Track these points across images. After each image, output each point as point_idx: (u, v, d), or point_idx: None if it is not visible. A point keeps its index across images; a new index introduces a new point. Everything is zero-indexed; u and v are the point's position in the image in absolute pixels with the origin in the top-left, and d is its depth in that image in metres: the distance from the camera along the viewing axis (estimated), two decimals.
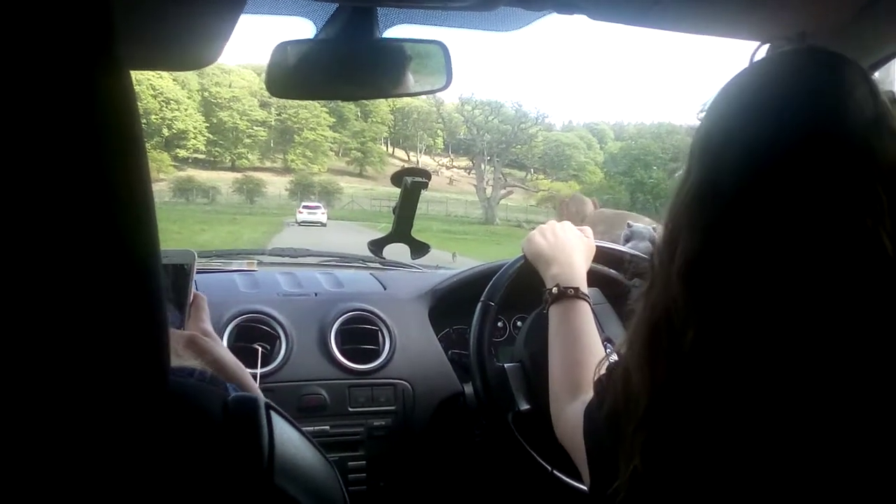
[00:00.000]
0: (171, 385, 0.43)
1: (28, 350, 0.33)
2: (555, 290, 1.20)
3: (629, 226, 1.72)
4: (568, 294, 1.19)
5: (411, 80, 1.11)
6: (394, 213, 1.43)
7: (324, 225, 29.18)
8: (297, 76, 1.06)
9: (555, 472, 1.29)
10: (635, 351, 0.76)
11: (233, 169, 60.12)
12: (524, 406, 1.34)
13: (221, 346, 0.84)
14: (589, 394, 1.04)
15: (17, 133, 0.31)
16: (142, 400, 0.39)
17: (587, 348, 1.12)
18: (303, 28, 1.09)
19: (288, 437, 0.48)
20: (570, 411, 1.02)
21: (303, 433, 0.53)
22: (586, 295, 1.21)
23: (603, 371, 0.91)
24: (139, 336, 0.38)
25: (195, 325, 0.85)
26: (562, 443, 1.05)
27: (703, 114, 0.76)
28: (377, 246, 1.49)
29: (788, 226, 0.67)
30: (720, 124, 0.74)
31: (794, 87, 0.71)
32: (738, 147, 0.70)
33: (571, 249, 1.29)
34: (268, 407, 0.48)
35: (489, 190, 46.72)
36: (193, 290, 0.88)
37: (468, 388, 1.57)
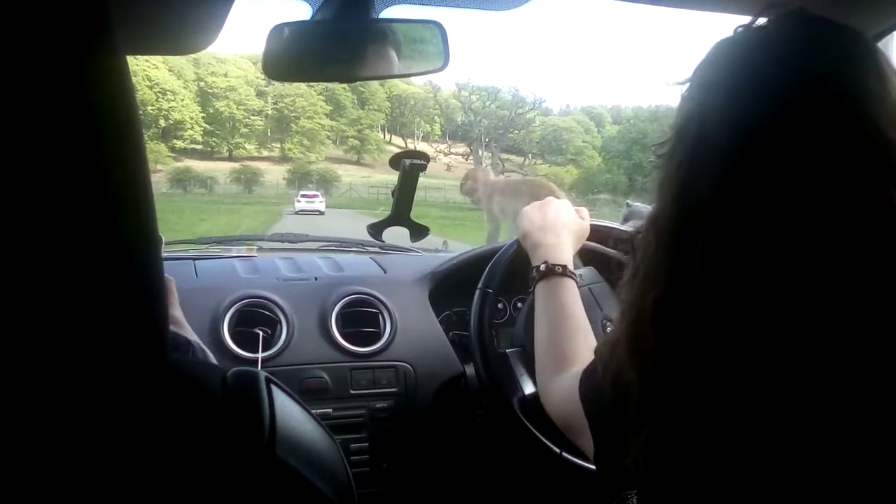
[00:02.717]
0: (170, 362, 0.44)
1: (27, 332, 0.33)
2: (542, 266, 1.20)
3: (628, 205, 1.73)
4: (555, 271, 1.19)
5: (408, 61, 1.10)
6: (392, 196, 1.43)
7: (322, 213, 29.09)
8: (293, 59, 1.06)
9: (563, 454, 1.29)
10: (629, 319, 0.75)
11: (230, 159, 59.84)
12: (529, 390, 1.34)
13: (188, 333, 0.83)
14: (578, 366, 1.04)
15: (11, 119, 0.31)
16: (140, 377, 0.40)
17: (574, 323, 1.12)
18: (299, 11, 1.09)
19: (289, 411, 0.48)
20: (560, 383, 1.02)
21: (304, 407, 0.52)
22: (573, 273, 1.21)
23: (603, 339, 0.91)
24: (137, 316, 0.38)
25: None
26: (551, 414, 1.05)
27: (688, 86, 0.74)
28: (376, 229, 1.49)
29: (782, 202, 0.65)
30: (707, 98, 0.71)
31: (786, 56, 0.68)
32: (726, 124, 0.67)
33: (560, 228, 1.29)
34: (268, 381, 0.48)
35: None
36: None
37: (469, 370, 1.57)
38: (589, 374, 0.91)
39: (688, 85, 0.74)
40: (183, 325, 0.84)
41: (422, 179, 1.41)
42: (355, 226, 3.55)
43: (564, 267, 1.20)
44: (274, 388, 0.48)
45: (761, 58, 0.69)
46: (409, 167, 1.33)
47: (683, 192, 0.69)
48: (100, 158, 0.34)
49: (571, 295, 1.17)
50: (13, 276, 0.32)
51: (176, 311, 0.85)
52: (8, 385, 0.33)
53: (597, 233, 1.48)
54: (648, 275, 0.73)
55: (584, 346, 1.09)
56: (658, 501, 0.76)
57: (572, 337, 1.09)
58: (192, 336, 0.81)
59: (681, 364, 0.69)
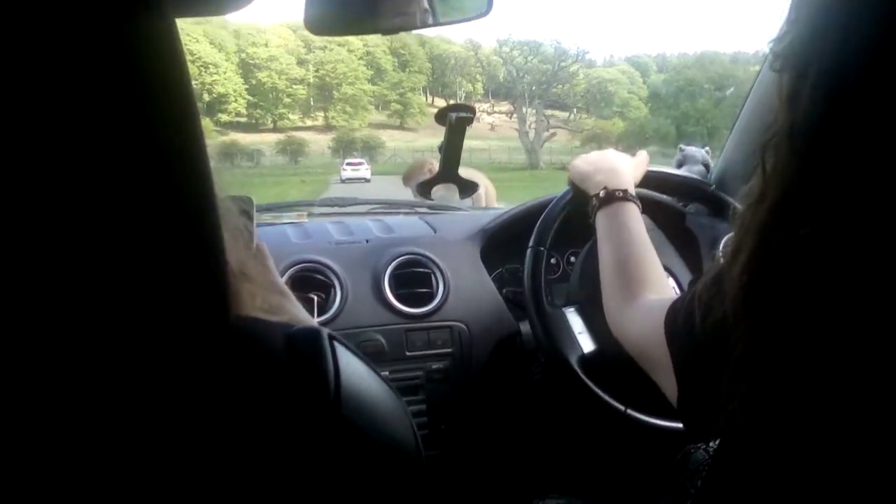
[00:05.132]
0: (233, 321, 0.43)
1: (88, 291, 0.33)
2: (602, 193, 1.14)
3: (681, 150, 1.68)
4: (616, 196, 1.13)
5: (451, 8, 1.07)
6: (439, 152, 1.41)
7: (368, 181, 29.29)
8: (334, 12, 1.04)
9: (629, 411, 1.27)
10: (741, 260, 0.65)
11: (275, 130, 60.52)
12: (589, 348, 1.32)
13: (295, 305, 0.78)
14: (650, 291, 0.98)
15: (62, 85, 0.30)
16: (204, 338, 0.39)
17: (642, 246, 1.06)
18: None
19: (353, 369, 0.47)
20: (635, 311, 0.97)
21: (368, 364, 0.51)
22: (635, 198, 1.15)
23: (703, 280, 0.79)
24: (197, 276, 0.38)
25: (264, 279, 0.80)
26: (624, 342, 0.99)
27: None
28: (425, 187, 1.48)
29: None
30: None
31: None
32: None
33: (615, 160, 1.23)
34: (331, 338, 0.47)
35: (532, 134, 46.34)
36: (255, 239, 0.83)
37: (525, 327, 1.55)
38: (678, 314, 0.82)
39: None
40: (287, 294, 0.79)
41: (466, 141, 1.38)
42: (402, 192, 3.55)
43: (625, 191, 1.14)
44: (337, 345, 0.47)
45: None
46: (456, 121, 1.30)
47: (829, 103, 0.58)
48: (155, 121, 0.34)
49: (636, 218, 1.11)
50: (73, 239, 0.32)
51: (276, 278, 0.80)
52: (64, 345, 0.33)
53: (648, 179, 1.44)
54: (779, 198, 0.62)
55: (653, 269, 1.04)
56: (745, 454, 0.68)
57: (641, 260, 1.04)
58: (299, 311, 0.76)
59: (807, 311, 0.59)
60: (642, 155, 1.33)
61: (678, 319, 0.81)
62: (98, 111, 0.31)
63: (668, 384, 0.84)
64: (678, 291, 1.34)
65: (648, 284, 1.00)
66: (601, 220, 1.14)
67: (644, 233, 1.10)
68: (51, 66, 0.30)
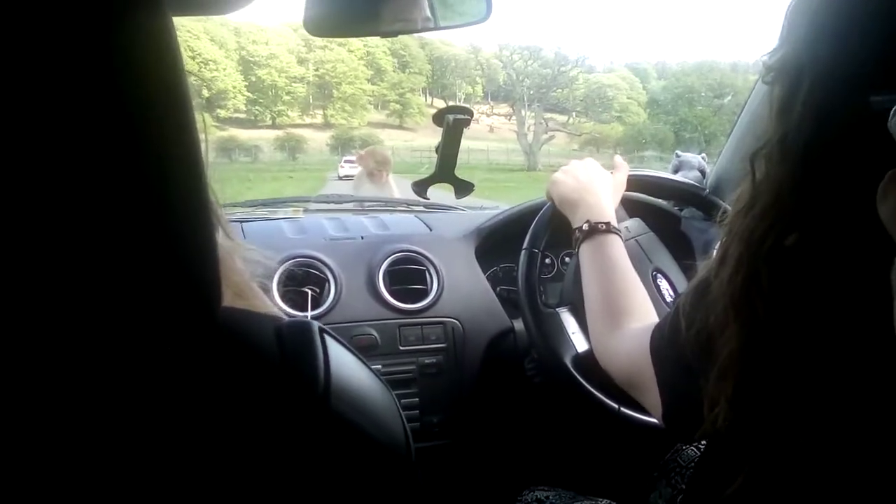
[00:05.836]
0: (222, 314, 0.43)
1: (77, 287, 0.33)
2: (585, 226, 1.18)
3: (678, 156, 1.69)
4: (599, 229, 1.16)
5: (451, 12, 1.08)
6: (436, 152, 1.42)
7: None
8: (333, 14, 1.05)
9: (622, 409, 1.28)
10: (729, 265, 0.67)
11: (273, 126, 60.10)
12: (582, 348, 1.33)
13: (265, 301, 0.80)
14: (635, 321, 1.00)
15: (53, 83, 0.30)
16: (195, 332, 0.39)
17: (626, 277, 1.09)
18: None
19: (343, 361, 0.48)
20: (620, 339, 1.00)
21: (358, 356, 0.52)
22: (618, 229, 1.18)
23: (685, 291, 0.81)
24: (190, 271, 0.38)
25: (236, 277, 0.81)
26: (611, 371, 1.03)
27: None
28: (421, 187, 1.49)
29: None
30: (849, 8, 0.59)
31: None
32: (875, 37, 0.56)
33: (598, 188, 1.26)
34: (321, 331, 0.48)
35: (530, 136, 46.27)
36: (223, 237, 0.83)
37: (518, 325, 1.57)
38: (662, 331, 0.85)
39: None
40: (257, 291, 0.80)
41: (464, 142, 1.39)
42: (399, 189, 3.57)
43: (608, 223, 1.17)
44: (328, 338, 0.47)
45: None
46: (453, 122, 1.31)
47: (820, 113, 0.60)
48: (149, 120, 0.34)
49: (619, 250, 1.15)
50: (61, 237, 0.32)
51: (245, 276, 0.81)
52: (49, 346, 0.33)
53: (644, 183, 1.45)
54: (768, 205, 0.63)
55: (638, 299, 1.07)
56: (731, 453, 0.70)
57: (626, 291, 1.07)
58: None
59: (801, 310, 0.61)
60: (621, 173, 1.35)
61: (663, 335, 0.84)
62: (89, 110, 0.31)
63: (654, 404, 0.87)
64: (671, 293, 1.35)
65: (633, 314, 1.03)
66: (585, 254, 1.16)
67: (628, 263, 1.13)
68: (41, 64, 0.30)
